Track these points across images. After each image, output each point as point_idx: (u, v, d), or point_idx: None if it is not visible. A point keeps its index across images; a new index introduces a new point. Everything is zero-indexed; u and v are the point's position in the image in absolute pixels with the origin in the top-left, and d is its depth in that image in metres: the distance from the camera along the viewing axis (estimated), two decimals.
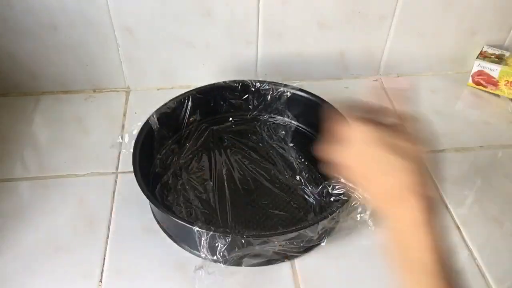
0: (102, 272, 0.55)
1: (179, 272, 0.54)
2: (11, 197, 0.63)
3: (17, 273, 0.54)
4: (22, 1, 0.68)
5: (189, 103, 0.69)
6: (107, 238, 0.57)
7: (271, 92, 0.71)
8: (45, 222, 0.59)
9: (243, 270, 0.55)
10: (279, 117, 0.73)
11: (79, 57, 0.76)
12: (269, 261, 0.56)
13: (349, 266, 0.56)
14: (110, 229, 0.58)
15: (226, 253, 0.51)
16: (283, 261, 0.56)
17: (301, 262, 0.56)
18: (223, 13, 0.73)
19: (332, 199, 0.56)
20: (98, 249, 0.56)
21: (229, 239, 0.50)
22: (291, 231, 0.51)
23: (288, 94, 0.71)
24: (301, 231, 0.52)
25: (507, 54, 0.80)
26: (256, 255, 0.54)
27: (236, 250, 0.52)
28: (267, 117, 0.73)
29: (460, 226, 0.60)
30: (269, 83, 0.71)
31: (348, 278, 0.55)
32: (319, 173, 0.65)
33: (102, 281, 0.54)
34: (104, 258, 0.56)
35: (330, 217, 0.53)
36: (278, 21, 0.75)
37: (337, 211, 0.54)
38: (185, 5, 0.71)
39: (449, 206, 0.63)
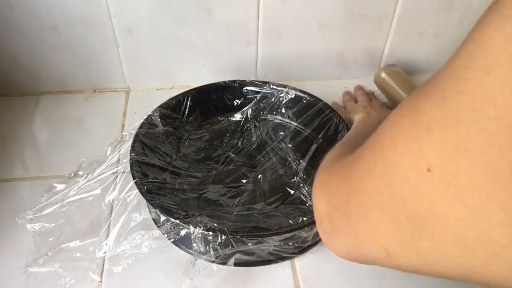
0: (102, 272, 0.55)
1: (177, 272, 0.54)
2: (11, 197, 0.63)
3: (17, 274, 0.54)
4: (22, 1, 0.68)
5: (189, 102, 0.69)
6: (107, 237, 0.57)
7: (271, 93, 0.72)
8: None
9: (242, 270, 0.55)
10: (278, 117, 0.73)
11: (79, 57, 0.76)
12: (269, 261, 0.56)
13: (349, 266, 0.56)
14: (110, 229, 0.58)
15: (223, 253, 0.52)
16: (283, 261, 0.56)
17: (301, 262, 0.57)
18: (223, 13, 0.73)
19: None
20: (98, 248, 0.56)
21: (226, 240, 0.50)
22: (287, 232, 0.52)
23: (288, 94, 0.71)
24: (295, 232, 0.52)
25: None
26: (255, 255, 0.54)
27: (234, 250, 0.52)
28: (266, 117, 0.73)
29: None
30: (269, 83, 0.71)
31: (349, 277, 0.55)
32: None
33: (102, 281, 0.54)
34: (104, 258, 0.56)
35: None
36: (278, 21, 0.75)
37: None
38: (185, 5, 0.71)
39: None
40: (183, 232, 0.53)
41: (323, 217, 0.36)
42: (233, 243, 0.51)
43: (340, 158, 0.37)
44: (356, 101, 0.76)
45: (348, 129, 0.66)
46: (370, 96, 0.78)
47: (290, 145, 0.69)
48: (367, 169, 0.30)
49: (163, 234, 0.55)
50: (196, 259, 0.54)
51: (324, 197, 0.36)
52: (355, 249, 0.33)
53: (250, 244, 0.52)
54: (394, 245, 0.28)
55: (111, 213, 0.60)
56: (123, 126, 0.74)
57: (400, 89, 0.77)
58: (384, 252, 0.29)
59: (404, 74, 0.80)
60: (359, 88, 0.81)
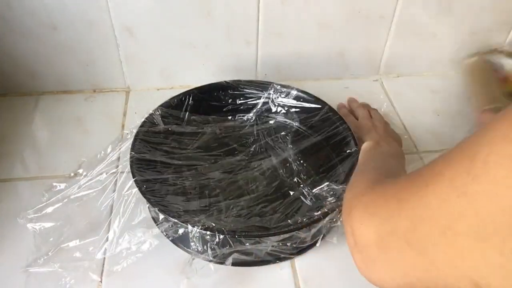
0: (102, 272, 0.55)
1: (176, 271, 0.54)
2: (11, 197, 0.63)
3: (17, 274, 0.54)
4: (22, 1, 0.68)
5: (190, 102, 0.69)
6: (107, 237, 0.57)
7: (271, 93, 0.72)
8: None
9: (241, 270, 0.55)
10: (279, 118, 0.73)
11: (79, 57, 0.76)
12: (268, 261, 0.56)
13: (350, 266, 0.56)
14: (110, 229, 0.58)
15: (221, 253, 0.52)
16: (281, 262, 0.56)
17: (301, 262, 0.56)
18: (223, 13, 0.73)
19: (328, 200, 0.56)
20: (98, 248, 0.56)
21: (224, 239, 0.50)
22: (285, 232, 0.51)
23: (288, 94, 0.71)
24: (293, 233, 0.52)
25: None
26: (253, 255, 0.54)
27: (232, 249, 0.52)
28: (267, 117, 0.73)
29: None
30: (270, 83, 0.71)
31: (349, 277, 0.55)
32: (317, 175, 0.64)
33: (102, 281, 0.54)
34: (104, 258, 0.56)
35: (323, 219, 0.53)
36: (278, 21, 0.75)
37: (330, 214, 0.53)
38: (185, 5, 0.71)
39: None
40: (181, 231, 0.53)
41: (368, 243, 0.32)
42: (231, 243, 0.51)
43: (383, 181, 0.33)
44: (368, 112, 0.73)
45: (348, 128, 0.66)
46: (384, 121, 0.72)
47: (290, 146, 0.69)
48: (452, 189, 0.26)
49: (162, 233, 0.55)
50: (193, 258, 0.54)
51: (374, 221, 0.32)
52: (419, 279, 0.29)
53: (247, 244, 0.52)
54: (492, 277, 0.24)
55: (111, 213, 0.60)
56: (123, 126, 0.75)
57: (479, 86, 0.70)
58: (473, 285, 0.25)
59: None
60: (363, 103, 0.77)
